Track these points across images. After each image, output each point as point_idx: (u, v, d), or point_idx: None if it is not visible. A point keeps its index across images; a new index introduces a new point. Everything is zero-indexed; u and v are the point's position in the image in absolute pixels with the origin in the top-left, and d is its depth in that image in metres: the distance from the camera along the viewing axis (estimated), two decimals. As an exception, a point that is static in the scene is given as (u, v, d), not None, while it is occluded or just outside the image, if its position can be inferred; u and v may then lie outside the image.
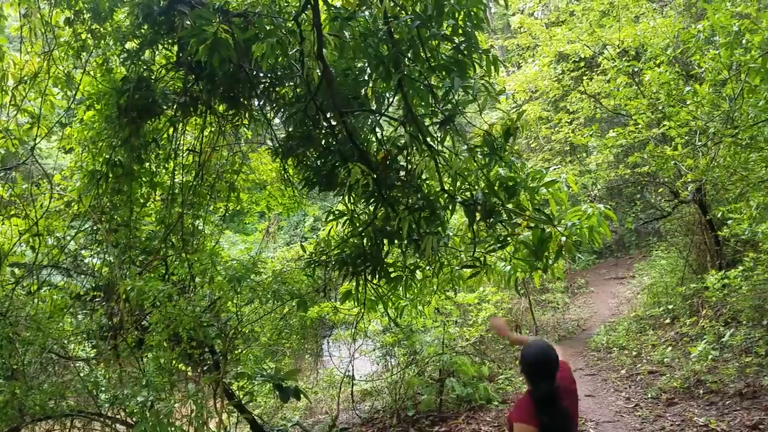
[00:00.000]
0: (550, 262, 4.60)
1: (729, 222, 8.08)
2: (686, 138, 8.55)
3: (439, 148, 4.57)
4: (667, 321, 11.45)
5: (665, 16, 10.22)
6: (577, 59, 13.39)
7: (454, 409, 8.96)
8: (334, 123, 5.16)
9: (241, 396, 6.95)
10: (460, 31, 4.32)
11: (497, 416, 8.30)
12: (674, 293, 12.17)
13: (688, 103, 7.14)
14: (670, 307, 11.74)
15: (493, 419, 8.18)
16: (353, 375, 10.14)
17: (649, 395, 7.99)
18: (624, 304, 15.36)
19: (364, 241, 5.24)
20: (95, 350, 7.36)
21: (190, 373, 7.61)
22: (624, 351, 10.80)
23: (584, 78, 13.38)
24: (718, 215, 9.20)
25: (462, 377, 9.03)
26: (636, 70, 10.15)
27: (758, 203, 7.17)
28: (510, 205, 4.45)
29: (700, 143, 7.92)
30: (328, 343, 12.30)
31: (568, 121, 13.74)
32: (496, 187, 4.39)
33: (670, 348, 9.63)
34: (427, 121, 4.71)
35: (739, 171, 7.11)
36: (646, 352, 10.24)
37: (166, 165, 7.08)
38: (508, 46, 16.26)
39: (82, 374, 6.24)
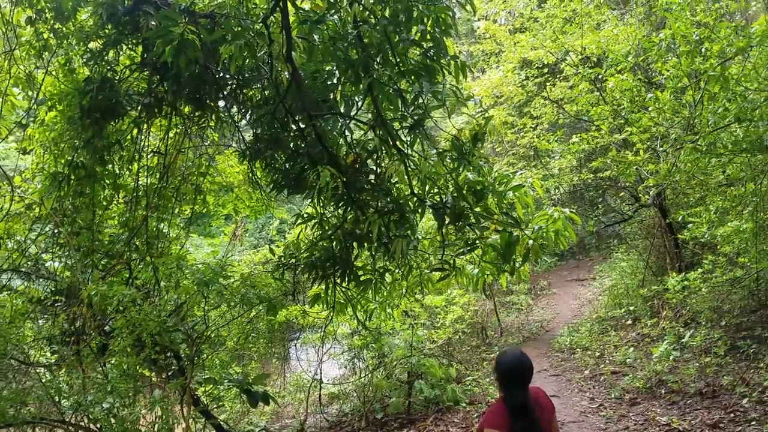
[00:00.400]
0: (518, 265, 4.67)
1: (689, 225, 8.32)
2: (648, 144, 8.78)
3: (409, 152, 4.60)
4: (629, 322, 11.71)
5: (626, 24, 10.48)
6: (540, 65, 13.62)
7: (422, 411, 9.01)
8: (303, 126, 5.15)
9: (207, 401, 6.86)
10: (429, 37, 4.36)
11: (465, 417, 8.37)
12: (635, 295, 12.47)
13: (649, 109, 7.35)
14: (632, 308, 12.02)
15: (461, 420, 8.25)
16: (321, 378, 10.10)
17: (613, 395, 8.16)
18: (586, 306, 15.65)
19: (334, 244, 5.23)
20: (56, 356, 7.18)
21: (154, 379, 7.48)
22: (587, 352, 11.01)
23: (547, 84, 13.63)
24: (679, 219, 9.46)
25: (430, 379, 9.08)
26: (598, 76, 10.38)
27: (717, 207, 7.41)
28: (478, 209, 4.50)
29: (661, 149, 8.15)
30: (295, 346, 12.23)
31: (533, 126, 13.97)
32: (464, 191, 4.44)
33: (632, 349, 9.85)
34: (396, 125, 4.73)
35: (698, 176, 7.33)
36: (608, 353, 10.45)
37: (130, 167, 6.95)
38: (473, 51, 16.45)
39: (43, 380, 6.08)
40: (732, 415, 6.41)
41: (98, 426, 5.94)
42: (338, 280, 5.36)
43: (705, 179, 7.59)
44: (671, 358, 8.20)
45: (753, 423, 6.04)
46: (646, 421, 6.90)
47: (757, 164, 6.63)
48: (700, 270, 8.95)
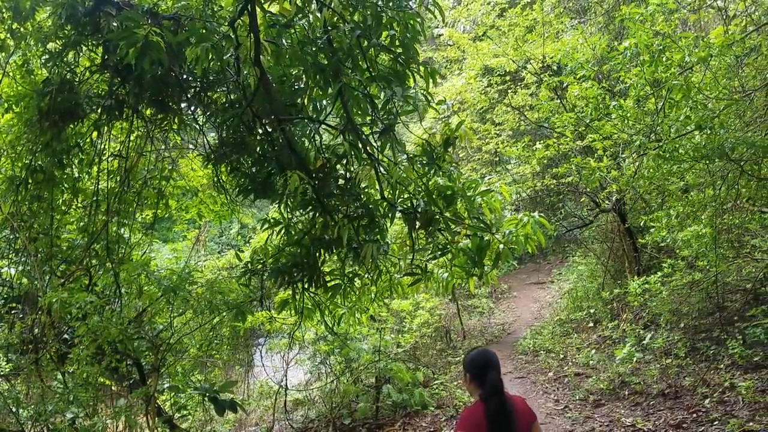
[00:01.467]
0: (487, 269, 4.71)
1: (651, 230, 8.53)
2: (611, 150, 8.99)
3: (379, 156, 4.59)
4: (590, 324, 11.95)
5: (586, 34, 10.72)
6: (502, 73, 13.80)
7: (390, 415, 9.01)
8: (270, 130, 5.09)
9: (170, 410, 6.71)
10: (398, 43, 4.37)
11: (433, 421, 8.39)
12: (595, 298, 12.73)
13: (612, 116, 7.53)
14: (592, 311, 12.27)
15: (429, 424, 8.27)
16: (286, 385, 9.99)
17: (577, 397, 8.30)
18: (546, 308, 15.91)
19: (301, 249, 5.18)
20: (11, 365, 6.93)
21: (114, 388, 7.29)
22: (550, 354, 11.17)
23: (509, 91, 13.83)
24: (640, 224, 9.70)
25: (398, 383, 9.08)
26: (561, 84, 10.59)
27: (677, 212, 7.62)
28: (448, 214, 4.52)
29: (623, 155, 8.35)
30: (260, 353, 12.07)
31: (497, 132, 14.15)
32: (434, 196, 4.45)
33: (594, 351, 10.04)
34: (366, 130, 4.72)
35: (661, 182, 7.52)
36: (571, 355, 10.63)
37: (90, 170, 6.77)
38: (435, 57, 16.59)
39: (0, 390, 5.87)
40: (694, 415, 6.58)
41: (59, 437, 5.76)
42: (306, 286, 5.31)
43: (665, 185, 7.80)
44: (634, 359, 8.38)
45: (715, 423, 6.21)
46: (611, 422, 7.03)
47: (716, 171, 6.85)
48: (659, 273, 9.19)
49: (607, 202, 12.09)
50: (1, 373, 6.57)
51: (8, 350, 6.55)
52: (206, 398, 5.04)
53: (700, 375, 7.43)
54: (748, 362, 7.12)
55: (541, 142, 10.92)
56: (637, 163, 7.65)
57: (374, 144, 4.60)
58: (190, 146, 8.26)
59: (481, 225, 4.36)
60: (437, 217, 4.45)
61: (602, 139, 8.51)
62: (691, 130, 6.22)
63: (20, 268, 6.59)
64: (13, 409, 5.50)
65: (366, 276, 5.50)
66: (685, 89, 5.92)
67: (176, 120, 6.08)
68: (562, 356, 10.83)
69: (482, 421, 2.88)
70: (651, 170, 6.79)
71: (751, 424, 5.80)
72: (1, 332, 6.79)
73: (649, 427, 6.57)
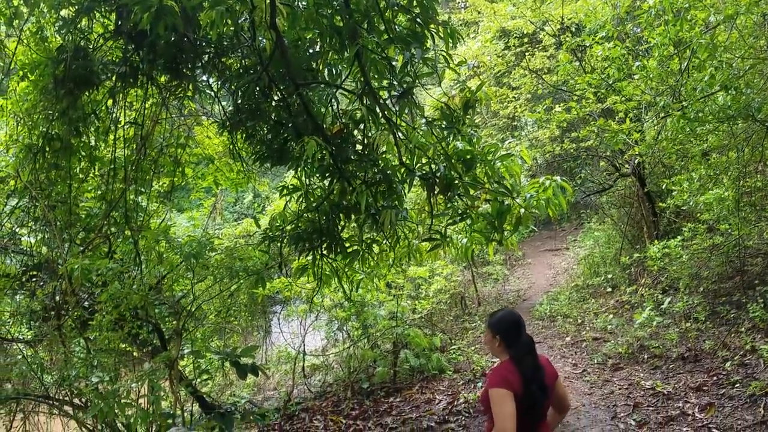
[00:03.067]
0: (507, 234, 4.67)
1: (673, 193, 8.40)
2: (633, 112, 8.80)
3: (397, 121, 4.51)
4: (608, 290, 11.90)
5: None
6: (519, 35, 13.51)
7: (408, 379, 9.10)
8: (287, 95, 5.02)
9: (193, 375, 6.82)
10: (415, 2, 4.25)
11: (450, 385, 8.47)
12: (612, 263, 12.66)
13: (635, 77, 7.35)
14: (609, 276, 12.21)
15: (447, 388, 8.34)
16: (304, 350, 10.12)
17: (595, 361, 8.31)
18: (561, 275, 15.86)
19: (320, 215, 5.16)
20: (32, 332, 7.07)
21: (136, 354, 7.42)
22: (567, 319, 11.17)
23: (527, 54, 13.54)
24: (662, 187, 9.55)
25: (415, 349, 9.15)
26: (579, 46, 10.33)
27: (700, 175, 7.49)
28: (467, 178, 4.46)
29: (646, 117, 8.18)
30: (278, 319, 12.21)
31: (515, 96, 13.93)
32: (454, 161, 4.38)
33: (612, 316, 10.02)
34: (383, 94, 4.64)
35: (684, 144, 7.38)
36: (589, 320, 10.62)
37: (106, 138, 6.77)
38: (450, 20, 16.26)
39: (23, 356, 5.98)
40: (715, 378, 6.56)
41: (83, 400, 5.88)
42: (325, 252, 5.31)
43: (687, 148, 7.65)
44: (654, 324, 8.35)
45: (737, 385, 6.18)
46: (630, 385, 7.04)
47: (740, 132, 6.69)
48: (679, 237, 9.09)
49: (626, 166, 11.91)
50: (24, 340, 6.68)
51: (30, 317, 6.65)
52: (228, 363, 5.10)
53: (721, 338, 7.39)
54: (769, 326, 7.07)
55: (560, 105, 10.72)
56: (660, 125, 7.49)
57: (392, 108, 4.52)
58: (205, 114, 8.23)
59: (502, 189, 4.29)
60: (456, 181, 4.39)
61: (625, 100, 8.32)
62: (715, 90, 6.05)
63: (39, 236, 6.65)
64: (38, 375, 5.61)
65: (384, 242, 5.48)
66: (711, 48, 5.75)
67: (191, 87, 6.02)
68: (579, 321, 10.82)
69: (516, 379, 2.90)
70: (674, 132, 6.64)
71: (773, 386, 5.78)
72: (22, 300, 6.89)
73: (669, 390, 6.56)
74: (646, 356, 7.90)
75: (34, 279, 7.06)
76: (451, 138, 4.44)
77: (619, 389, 6.99)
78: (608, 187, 14.21)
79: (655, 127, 7.71)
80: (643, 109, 8.83)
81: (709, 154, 7.95)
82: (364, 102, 4.45)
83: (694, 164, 7.86)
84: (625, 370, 7.69)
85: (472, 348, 10.24)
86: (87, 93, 6.00)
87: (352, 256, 5.24)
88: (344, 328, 10.10)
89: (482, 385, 3.09)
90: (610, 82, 8.16)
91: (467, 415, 6.92)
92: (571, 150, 13.13)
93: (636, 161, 10.85)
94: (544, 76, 12.94)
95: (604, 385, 7.29)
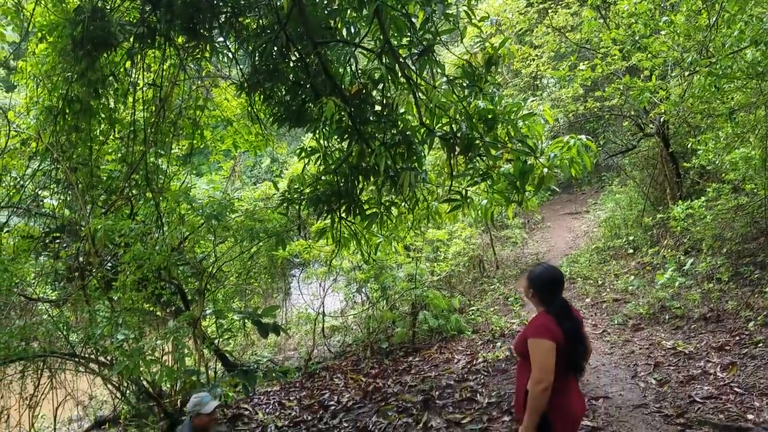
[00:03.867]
0: (528, 195, 4.62)
1: (698, 152, 8.22)
2: (659, 69, 8.55)
3: (417, 80, 4.43)
4: (629, 251, 11.80)
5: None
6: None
7: (426, 340, 9.19)
8: (305, 55, 4.94)
9: (217, 334, 6.95)
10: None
11: (469, 345, 8.53)
12: (634, 225, 12.51)
13: (662, 33, 7.11)
14: (631, 238, 12.09)
15: (465, 348, 8.41)
16: (323, 311, 10.25)
17: (616, 321, 8.29)
18: (581, 238, 15.73)
19: (338, 178, 5.14)
20: (57, 293, 7.21)
21: (159, 314, 7.56)
22: (588, 281, 11.12)
23: (549, 11, 13.16)
24: (687, 146, 9.35)
25: (434, 310, 9.21)
26: (605, 2, 10.02)
27: (726, 134, 7.30)
28: (488, 138, 4.38)
29: (673, 74, 7.95)
30: (297, 281, 12.35)
31: (538, 55, 13.62)
32: (475, 120, 4.31)
33: (633, 277, 9.95)
34: (403, 53, 4.54)
35: (710, 102, 7.18)
36: (609, 282, 10.57)
37: (125, 100, 6.77)
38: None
39: (48, 316, 6.12)
40: (737, 338, 6.52)
41: (108, 358, 6.03)
42: (344, 214, 5.30)
43: (714, 106, 7.43)
44: (676, 284, 8.28)
45: (759, 345, 6.14)
46: (651, 345, 7.02)
47: (768, 90, 6.49)
48: (703, 198, 8.94)
49: (651, 126, 11.65)
50: (50, 300, 6.83)
51: (55, 278, 6.78)
52: (250, 322, 5.17)
53: (744, 299, 7.31)
54: (793, 287, 6.98)
55: (584, 63, 10.46)
56: (686, 83, 7.27)
57: (412, 67, 4.43)
58: (223, 75, 8.17)
59: (525, 149, 4.22)
60: (477, 141, 4.32)
61: (650, 57, 8.08)
62: (745, 45, 5.85)
63: (62, 198, 6.72)
64: (63, 334, 5.74)
65: (403, 204, 5.46)
66: (741, 2, 5.52)
67: (208, 47, 5.97)
68: (600, 283, 10.78)
69: (558, 329, 2.97)
70: (701, 89, 6.44)
71: (795, 346, 5.74)
72: (46, 261, 7.02)
73: (690, 350, 6.53)
74: (667, 317, 7.86)
75: (57, 241, 7.18)
76: (473, 97, 4.35)
77: (640, 349, 6.98)
78: (631, 148, 13.95)
79: (682, 85, 7.48)
80: (670, 67, 8.57)
81: (736, 113, 7.74)
82: (384, 61, 4.36)
83: (721, 123, 7.64)
84: (645, 331, 7.67)
85: (491, 309, 10.28)
86: (105, 54, 5.98)
87: (371, 219, 5.23)
88: (363, 290, 10.18)
89: (520, 333, 3.11)
90: (636, 39, 7.92)
91: (486, 374, 6.98)
92: (595, 109, 12.84)
93: (661, 120, 10.61)
94: (567, 34, 12.60)
95: (624, 345, 7.28)
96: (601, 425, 5.09)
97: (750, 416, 4.74)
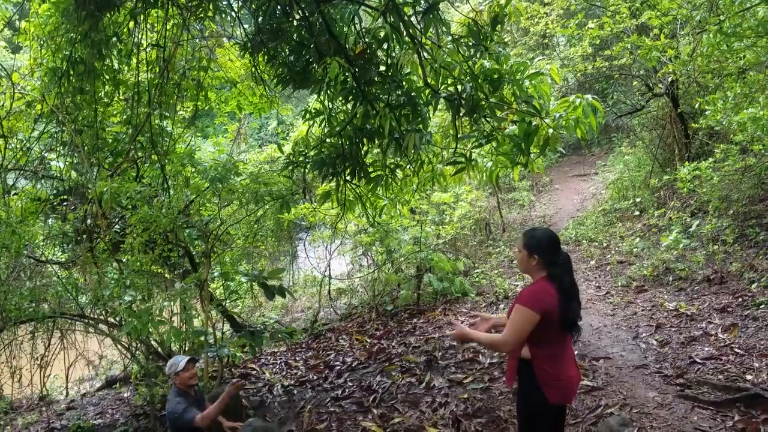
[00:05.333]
0: (534, 156, 4.58)
1: (706, 113, 8.10)
2: (669, 28, 8.37)
3: (422, 39, 4.36)
4: (635, 213, 11.77)
5: None
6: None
7: (431, 302, 9.27)
8: (308, 14, 4.87)
9: (224, 296, 7.04)
10: None
11: (473, 307, 8.61)
12: (641, 187, 12.44)
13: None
14: (638, 200, 12.03)
15: (469, 310, 8.49)
16: (330, 274, 10.34)
17: (619, 283, 8.33)
18: (588, 200, 15.68)
19: (343, 140, 5.11)
20: (66, 255, 7.29)
21: (167, 276, 7.64)
22: (593, 243, 11.14)
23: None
24: (695, 106, 9.22)
25: (438, 273, 9.26)
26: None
27: (735, 94, 7.18)
28: (494, 99, 4.34)
29: (683, 32, 7.78)
30: (304, 245, 12.43)
31: (546, 13, 13.36)
32: (480, 80, 4.25)
33: (638, 239, 9.94)
34: (407, 11, 4.46)
35: (720, 61, 7.04)
36: (614, 244, 10.58)
37: (129, 62, 6.72)
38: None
39: (57, 278, 6.21)
40: (740, 299, 6.54)
41: (117, 319, 6.13)
42: (348, 178, 5.29)
43: (723, 66, 7.29)
44: (681, 246, 8.28)
45: (762, 306, 6.16)
46: (653, 307, 7.07)
47: (778, 49, 6.35)
48: (711, 159, 8.86)
49: (660, 85, 11.48)
50: (59, 261, 6.90)
51: (63, 240, 6.84)
52: (256, 284, 5.22)
53: (748, 261, 7.31)
54: (798, 248, 6.97)
55: (593, 21, 10.26)
56: (695, 41, 7.12)
57: (417, 26, 4.36)
58: (227, 36, 8.07)
59: (530, 109, 4.17)
60: (483, 102, 4.27)
61: (660, 15, 7.90)
62: (756, 3, 5.70)
63: (68, 161, 6.74)
64: (73, 295, 5.82)
65: (408, 167, 5.44)
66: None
67: (211, 7, 5.88)
68: (605, 245, 10.79)
69: (552, 299, 2.93)
70: (710, 48, 6.29)
71: (798, 308, 5.76)
72: (55, 223, 7.08)
73: (692, 311, 6.58)
74: (671, 278, 7.88)
75: (65, 203, 7.22)
76: (478, 56, 4.28)
77: (642, 311, 7.03)
78: (640, 108, 13.78)
79: (691, 44, 7.33)
80: (679, 25, 8.38)
81: (746, 72, 7.59)
82: (388, 19, 4.29)
83: (730, 82, 7.50)
84: (649, 292, 7.71)
85: (496, 272, 10.33)
86: (108, 15, 5.90)
87: (376, 182, 5.21)
88: (368, 253, 10.24)
89: (515, 300, 3.08)
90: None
91: (490, 335, 7.06)
92: (604, 69, 12.65)
93: (669, 80, 10.45)
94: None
95: (627, 306, 7.33)
96: (601, 385, 5.17)
97: (749, 377, 4.80)
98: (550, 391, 3.00)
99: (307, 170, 5.47)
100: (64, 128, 6.41)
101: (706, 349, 5.57)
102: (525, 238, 3.12)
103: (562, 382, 3.03)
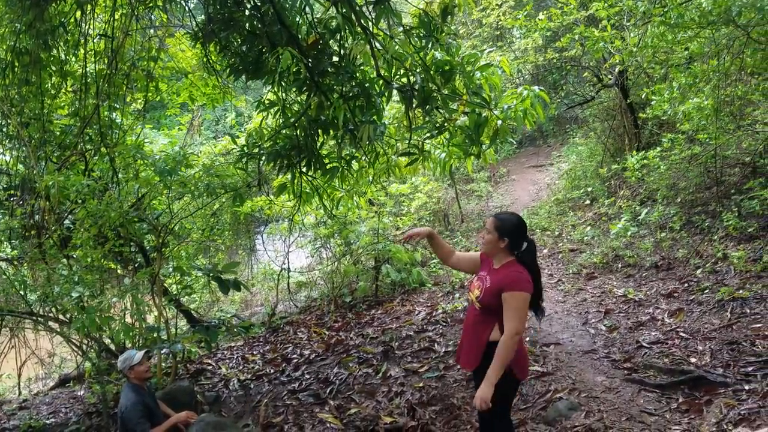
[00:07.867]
0: (485, 147, 4.66)
1: (652, 103, 8.34)
2: (615, 19, 8.57)
3: (374, 30, 4.37)
4: (587, 202, 12.07)
5: None
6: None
7: (389, 293, 9.34)
8: (259, 4, 4.82)
9: (178, 291, 6.93)
10: None
11: (430, 297, 8.71)
12: (593, 176, 12.77)
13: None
14: (589, 189, 12.34)
15: (426, 300, 8.58)
16: (289, 267, 10.29)
17: (570, 271, 8.55)
18: (543, 190, 16.00)
19: (298, 132, 5.09)
20: (15, 251, 7.08)
21: (120, 271, 7.49)
22: (546, 232, 11.38)
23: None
24: (642, 96, 9.48)
25: (396, 264, 9.32)
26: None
27: (680, 84, 7.42)
28: (446, 91, 4.38)
29: (628, 24, 7.97)
30: (262, 238, 12.33)
31: (498, 4, 13.51)
32: (432, 72, 4.29)
33: (589, 227, 10.21)
34: (359, 1, 4.46)
35: (663, 52, 7.24)
36: (566, 233, 10.84)
37: (76, 52, 6.52)
38: None
39: (5, 274, 6.01)
40: (686, 285, 6.79)
41: (67, 316, 5.98)
42: (304, 169, 5.28)
43: (668, 57, 7.52)
44: (629, 234, 8.54)
45: (706, 291, 6.40)
46: (603, 293, 7.28)
47: (721, 39, 6.58)
48: (658, 148, 9.14)
49: (609, 76, 11.77)
50: (6, 258, 6.69)
51: (11, 236, 6.64)
52: (211, 279, 5.17)
53: (694, 247, 7.59)
54: (742, 234, 7.24)
55: (544, 12, 10.43)
56: (641, 32, 7.32)
57: (368, 16, 4.36)
58: (178, 25, 7.91)
59: (479, 101, 4.23)
60: (435, 94, 4.32)
61: (607, 7, 8.10)
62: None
63: (15, 154, 6.53)
64: (21, 292, 5.65)
65: (363, 158, 5.45)
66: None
67: (160, -4, 5.76)
68: (557, 234, 11.04)
69: (530, 277, 3.07)
70: (655, 39, 6.48)
71: (741, 291, 5.99)
72: (2, 218, 6.85)
73: (640, 297, 6.80)
74: (620, 266, 8.13)
75: (12, 198, 6.99)
76: (430, 47, 4.32)
77: (592, 297, 7.24)
78: (590, 99, 14.09)
79: (637, 35, 7.53)
80: (626, 16, 8.60)
81: (691, 63, 7.85)
82: (340, 9, 4.29)
83: (675, 73, 7.76)
84: (598, 279, 7.94)
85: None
86: (54, 4, 5.72)
87: (332, 173, 5.21)
88: (327, 245, 10.23)
89: (488, 286, 3.11)
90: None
91: (444, 324, 7.16)
92: (555, 60, 12.89)
93: (617, 71, 10.72)
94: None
95: (577, 293, 7.53)
96: (551, 370, 5.30)
97: (693, 360, 4.98)
98: (519, 369, 3.15)
99: (262, 162, 5.42)
100: (9, 121, 6.20)
101: (653, 333, 5.76)
102: (497, 221, 3.18)
103: (522, 358, 3.21)
